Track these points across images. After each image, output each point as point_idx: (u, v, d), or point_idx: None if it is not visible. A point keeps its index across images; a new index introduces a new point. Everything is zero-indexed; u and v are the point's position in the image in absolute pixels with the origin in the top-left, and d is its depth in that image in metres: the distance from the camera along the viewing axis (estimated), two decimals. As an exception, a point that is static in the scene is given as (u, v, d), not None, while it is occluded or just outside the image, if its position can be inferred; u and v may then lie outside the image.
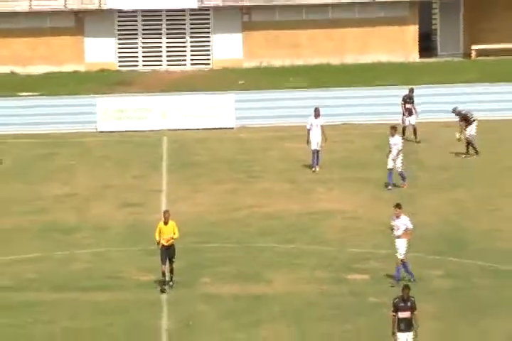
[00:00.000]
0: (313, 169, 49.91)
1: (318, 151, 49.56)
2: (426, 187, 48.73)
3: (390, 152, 47.84)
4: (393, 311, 27.68)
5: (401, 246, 36.43)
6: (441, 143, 52.81)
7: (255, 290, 36.91)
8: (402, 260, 36.54)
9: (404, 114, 54.56)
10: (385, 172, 48.63)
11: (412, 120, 54.61)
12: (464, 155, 51.95)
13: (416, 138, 54.49)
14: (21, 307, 36.30)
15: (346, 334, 33.42)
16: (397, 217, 36.61)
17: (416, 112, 55.05)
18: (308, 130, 49.49)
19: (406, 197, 47.31)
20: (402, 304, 27.47)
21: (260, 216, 44.75)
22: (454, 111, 52.85)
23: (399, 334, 27.35)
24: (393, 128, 48.21)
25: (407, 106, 54.63)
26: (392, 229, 36.85)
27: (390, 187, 47.90)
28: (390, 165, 47.62)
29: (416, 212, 45.39)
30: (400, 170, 47.97)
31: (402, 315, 27.32)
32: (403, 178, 48.06)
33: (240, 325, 33.99)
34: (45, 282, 38.56)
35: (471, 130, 52.04)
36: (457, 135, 51.40)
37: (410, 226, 36.80)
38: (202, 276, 38.37)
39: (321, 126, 49.69)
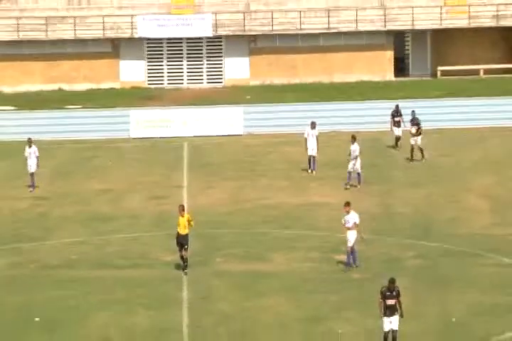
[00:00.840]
0: (309, 171, 49.71)
1: (314, 157, 49.43)
2: (400, 184, 48.70)
3: (350, 156, 47.52)
4: (381, 298, 27.67)
5: (351, 237, 36.45)
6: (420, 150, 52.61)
7: (259, 268, 37.02)
8: (351, 248, 36.46)
9: (392, 127, 53.61)
10: (362, 172, 48.72)
11: (399, 132, 53.82)
12: (419, 159, 51.74)
13: (397, 145, 53.88)
14: (67, 283, 36.30)
15: (334, 304, 33.48)
16: (348, 212, 36.48)
17: (404, 123, 54.01)
18: (305, 138, 49.30)
19: (384, 192, 47.61)
20: (388, 293, 27.41)
21: (263, 207, 44.78)
22: (413, 114, 52.55)
23: (384, 319, 27.32)
24: (353, 137, 47.80)
25: (396, 119, 53.77)
26: (344, 223, 36.55)
27: (347, 186, 47.58)
28: (349, 168, 47.32)
29: (393, 204, 45.73)
30: (358, 171, 47.64)
31: (388, 302, 27.26)
32: (359, 179, 47.73)
33: (247, 296, 34.07)
34: (86, 261, 38.70)
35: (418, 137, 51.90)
36: (417, 140, 51.17)
37: (357, 221, 36.67)
38: (215, 256, 38.50)
39: (316, 136, 49.50)
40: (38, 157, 47.79)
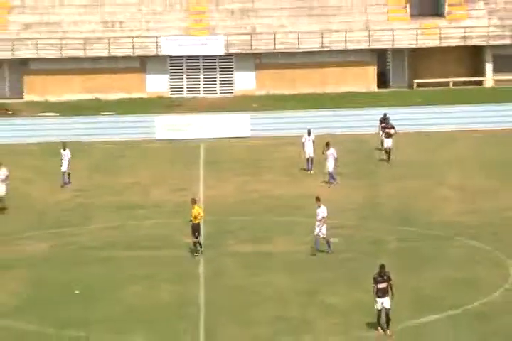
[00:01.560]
0: (309, 172, 49.26)
1: (312, 158, 49.06)
2: (383, 178, 48.64)
3: (328, 159, 47.02)
4: (373, 283, 27.52)
5: (322, 228, 36.10)
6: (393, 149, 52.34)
7: (263, 249, 37.16)
8: (316, 237, 36.16)
9: (387, 129, 51.76)
10: (350, 169, 48.68)
11: (389, 139, 51.73)
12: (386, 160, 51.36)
13: (389, 150, 51.91)
14: (102, 261, 36.45)
15: (326, 279, 33.56)
16: (319, 206, 36.31)
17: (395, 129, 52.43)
18: (303, 143, 49.06)
19: (369, 185, 47.57)
20: (379, 278, 27.35)
21: (266, 198, 44.79)
22: (386, 115, 52.43)
23: (377, 300, 27.35)
24: (327, 144, 47.38)
25: (383, 125, 52.54)
26: (316, 215, 36.23)
27: (328, 185, 47.13)
28: (330, 169, 46.91)
29: (376, 195, 45.72)
30: (329, 170, 47.05)
31: (380, 285, 27.25)
32: (332, 178, 47.12)
33: (253, 273, 34.22)
34: (118, 243, 38.94)
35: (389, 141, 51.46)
36: (388, 143, 50.79)
37: (325, 214, 36.29)
38: (227, 239, 38.60)
39: (313, 141, 49.18)
40: (69, 159, 47.47)
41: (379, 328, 27.25)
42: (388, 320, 27.13)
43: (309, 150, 49.08)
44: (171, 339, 28.54)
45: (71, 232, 40.76)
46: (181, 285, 33.36)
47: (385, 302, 27.10)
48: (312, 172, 48.89)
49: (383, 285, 27.15)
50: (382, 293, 27.21)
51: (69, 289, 33.32)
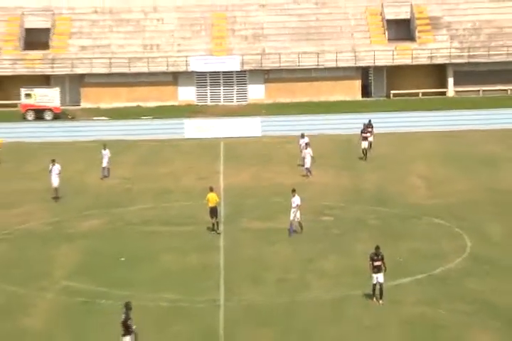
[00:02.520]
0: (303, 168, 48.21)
1: (313, 159, 47.76)
2: (364, 170, 48.63)
3: (304, 158, 46.73)
4: (370, 261, 27.18)
5: (294, 214, 35.47)
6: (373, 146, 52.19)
7: (271, 225, 37.17)
8: (292, 221, 35.54)
9: (365, 133, 51.11)
10: (338, 162, 48.60)
11: (371, 138, 51.63)
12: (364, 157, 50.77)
13: (370, 148, 51.63)
14: (143, 234, 36.65)
15: (321, 249, 33.68)
16: (294, 196, 35.59)
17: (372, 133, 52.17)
18: (300, 145, 48.64)
19: (352, 175, 47.47)
20: (375, 257, 27.05)
21: (273, 184, 44.81)
22: (369, 121, 51.87)
23: (373, 275, 26.98)
24: (307, 144, 47.02)
25: (369, 129, 51.48)
26: (292, 203, 35.68)
27: (306, 178, 46.37)
28: (307, 165, 46.31)
29: (359, 183, 45.61)
30: (307, 166, 46.47)
31: (375, 263, 26.94)
32: (309, 172, 46.46)
33: (263, 245, 34.43)
34: (156, 221, 39.01)
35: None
36: (365, 144, 50.33)
37: (299, 202, 35.47)
38: (241, 218, 38.70)
39: (307, 143, 48.07)
40: (109, 157, 47.03)
41: (373, 298, 27.17)
42: (382, 292, 27.05)
43: (305, 155, 47.77)
44: (198, 295, 28.69)
45: (118, 212, 40.89)
46: (205, 253, 33.63)
47: (380, 277, 26.93)
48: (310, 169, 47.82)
49: (378, 263, 26.97)
50: (377, 270, 26.98)
51: (116, 257, 33.57)
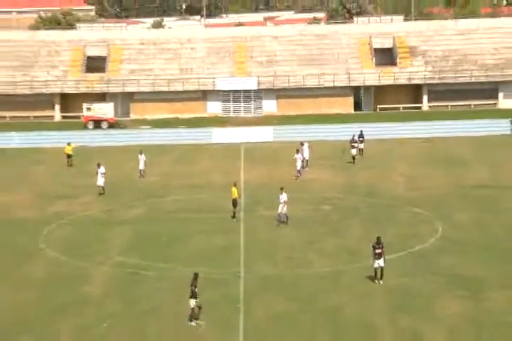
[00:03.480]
0: (306, 169, 47.30)
1: (306, 160, 47.60)
2: (356, 169, 48.37)
3: (296, 161, 45.37)
4: (372, 249, 26.51)
5: (282, 208, 34.55)
6: (360, 151, 52.11)
7: (289, 213, 36.71)
8: (279, 213, 34.69)
9: (353, 143, 50.03)
10: (336, 163, 48.37)
11: (362, 146, 51.04)
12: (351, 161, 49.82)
13: (361, 153, 51.09)
14: (178, 220, 36.72)
15: (321, 233, 33.65)
16: (281, 193, 34.37)
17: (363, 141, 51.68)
18: (301, 149, 47.22)
19: (347, 173, 47.26)
20: (377, 246, 26.41)
21: (282, 181, 44.38)
22: (361, 132, 51.34)
23: (375, 261, 26.39)
24: (297, 151, 45.91)
25: (360, 139, 51.01)
26: (280, 199, 34.70)
27: (295, 178, 45.06)
28: (298, 167, 45.27)
29: (352, 179, 45.44)
30: (298, 168, 45.34)
31: (377, 251, 26.31)
32: (299, 173, 45.40)
33: (273, 229, 34.48)
34: (188, 209, 39.01)
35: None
36: (354, 151, 49.59)
37: (286, 199, 34.37)
38: (257, 207, 38.64)
39: (307, 147, 47.83)
40: (145, 161, 46.29)
41: (375, 280, 26.58)
42: (382, 274, 26.58)
43: (305, 154, 47.65)
44: (223, 268, 28.79)
45: (158, 202, 40.92)
46: (228, 235, 33.65)
47: (380, 262, 26.46)
48: (307, 169, 47.47)
49: (379, 250, 26.43)
50: (378, 256, 26.39)
51: (158, 237, 33.64)
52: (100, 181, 41.51)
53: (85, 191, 42.83)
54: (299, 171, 45.54)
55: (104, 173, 41.69)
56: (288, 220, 34.75)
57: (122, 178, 45.21)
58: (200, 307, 23.41)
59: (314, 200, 39.80)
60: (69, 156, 49.98)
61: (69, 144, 50.66)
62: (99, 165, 41.94)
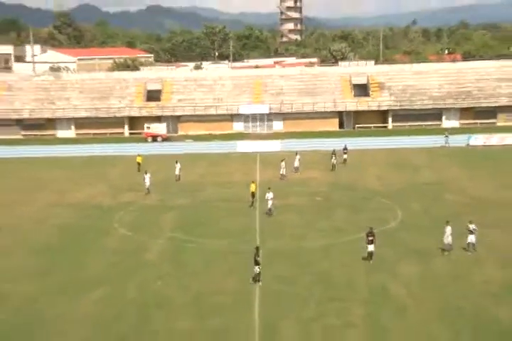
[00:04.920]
0: (297, 173, 45.70)
1: (297, 167, 46.36)
2: (340, 172, 47.66)
3: (281, 167, 44.03)
4: (366, 236, 25.63)
5: (270, 203, 33.45)
6: (344, 160, 51.60)
7: (284, 203, 36.61)
8: (270, 209, 33.49)
9: (332, 155, 47.50)
10: (324, 167, 47.79)
11: (345, 156, 49.66)
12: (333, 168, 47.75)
13: (345, 161, 49.58)
14: (213, 206, 36.62)
15: (316, 217, 33.49)
16: (268, 192, 33.40)
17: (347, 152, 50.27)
18: (294, 160, 46.41)
19: (334, 175, 46.49)
20: (369, 234, 25.54)
21: (286, 179, 44.43)
22: (345, 146, 50.70)
23: (368, 245, 25.48)
24: (282, 160, 44.51)
25: (345, 151, 49.88)
26: (267, 197, 33.59)
27: (282, 178, 43.72)
28: (281, 171, 43.99)
29: (338, 179, 44.86)
30: (281, 172, 43.96)
31: (369, 238, 25.42)
32: (282, 174, 43.87)
33: (280, 214, 34.29)
34: (218, 200, 38.70)
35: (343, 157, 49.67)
36: (334, 161, 47.35)
37: (272, 196, 33.26)
38: (279, 196, 38.17)
39: (299, 159, 46.58)
40: (180, 168, 44.82)
41: (368, 259, 25.62)
42: (372, 256, 25.55)
43: (296, 163, 46.65)
44: (243, 243, 28.76)
45: (197, 194, 40.64)
46: (246, 218, 33.63)
47: (370, 247, 25.49)
48: (299, 173, 46.07)
49: (371, 238, 25.49)
50: (370, 242, 25.45)
51: (200, 219, 33.73)
52: (147, 183, 40.57)
53: (138, 185, 42.93)
54: (282, 174, 44.03)
55: (150, 177, 40.55)
56: (271, 211, 33.51)
57: (171, 178, 45.20)
58: (259, 273, 23.36)
59: (310, 193, 39.55)
60: (139, 164, 48.87)
61: (139, 155, 50.07)
62: (146, 172, 41.04)
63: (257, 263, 23.37)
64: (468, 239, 26.28)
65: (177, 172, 44.81)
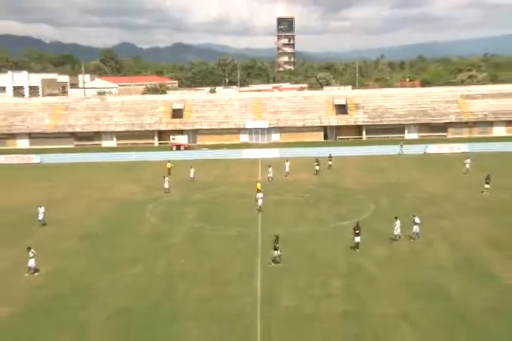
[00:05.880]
0: (287, 176, 44.69)
1: (288, 172, 45.33)
2: (325, 174, 47.16)
3: (270, 172, 42.78)
4: (353, 230, 24.72)
5: (260, 201, 32.18)
6: (329, 166, 50.95)
7: (281, 198, 36.33)
8: (259, 206, 32.18)
9: (315, 163, 45.90)
10: (311, 171, 47.31)
11: (330, 162, 48.49)
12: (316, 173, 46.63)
13: (330, 167, 48.51)
14: (226, 201, 36.28)
15: (307, 208, 33.29)
16: (257, 193, 32.65)
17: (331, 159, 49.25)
18: (285, 165, 45.97)
19: (320, 176, 45.66)
20: (356, 227, 24.59)
21: (284, 179, 44.20)
22: (330, 154, 50.32)
23: (355, 237, 24.50)
24: (269, 166, 43.36)
25: (330, 158, 48.91)
26: (257, 197, 32.57)
27: (270, 179, 42.42)
28: (271, 174, 42.73)
29: (323, 179, 44.44)
30: (269, 175, 42.86)
31: (356, 231, 24.53)
32: (270, 177, 42.61)
33: (278, 207, 33.92)
34: (229, 195, 38.35)
35: (328, 163, 48.22)
36: (317, 167, 45.53)
37: (262, 196, 32.21)
38: (269, 194, 37.04)
39: (289, 165, 45.83)
40: (194, 172, 43.57)
41: (355, 249, 24.63)
42: (358, 246, 24.62)
43: (287, 168, 45.86)
44: (248, 228, 28.72)
45: (212, 192, 40.26)
46: (252, 210, 33.09)
47: (357, 239, 24.61)
48: (289, 176, 45.11)
49: (358, 231, 24.57)
50: (357, 234, 24.53)
51: (214, 211, 33.54)
52: (166, 185, 39.35)
53: (170, 185, 42.88)
54: (270, 177, 42.81)
55: (169, 181, 39.54)
56: (260, 209, 32.15)
57: (188, 179, 44.84)
58: (280, 256, 23.10)
59: (300, 191, 39.36)
60: (169, 169, 47.63)
61: (169, 161, 49.28)
62: (164, 177, 40.03)
63: (275, 248, 23.27)
64: (413, 228, 25.98)
65: (191, 175, 43.74)
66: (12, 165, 56.50)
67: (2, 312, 18.97)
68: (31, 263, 22.61)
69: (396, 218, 26.15)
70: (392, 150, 58.68)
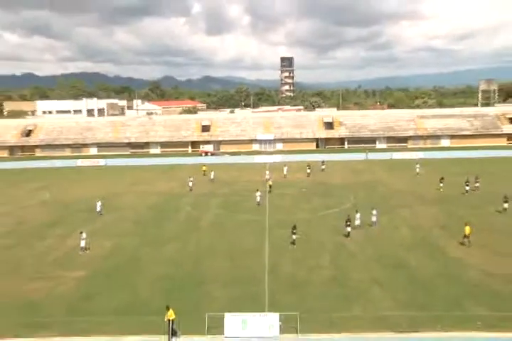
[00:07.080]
0: (285, 177, 41.64)
1: (285, 174, 43.65)
2: (317, 174, 46.01)
3: (266, 174, 40.48)
4: (345, 222, 23.55)
5: (258, 198, 30.76)
6: (322, 169, 49.68)
7: (284, 192, 35.58)
8: (259, 202, 30.49)
9: (307, 167, 43.86)
10: (305, 172, 45.83)
11: (323, 166, 47.33)
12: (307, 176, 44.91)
13: (323, 170, 47.23)
14: (240, 195, 35.60)
15: (301, 201, 32.81)
16: (256, 192, 31.12)
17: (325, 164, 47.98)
18: (284, 168, 44.74)
19: (312, 176, 43.26)
20: (347, 220, 23.61)
21: (286, 178, 43.51)
22: (323, 160, 49.14)
23: (346, 228, 23.35)
24: (266, 169, 41.77)
25: (323, 163, 47.52)
26: (255, 195, 31.06)
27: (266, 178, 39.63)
28: (267, 176, 39.83)
29: (315, 178, 43.40)
30: (267, 177, 40.11)
31: (347, 223, 23.47)
32: (267, 179, 38.82)
33: (280, 199, 33.33)
34: (243, 191, 37.32)
35: (320, 167, 47.15)
36: (308, 170, 43.49)
37: (260, 194, 30.80)
38: (275, 190, 36.89)
39: (287, 168, 44.55)
40: (214, 174, 41.31)
41: (347, 237, 23.51)
42: (349, 234, 23.46)
43: (285, 171, 44.45)
44: (258, 216, 28.52)
45: (231, 187, 39.41)
46: (261, 201, 32.49)
47: (348, 229, 23.51)
48: (287, 178, 43.24)
49: (349, 223, 23.58)
50: (348, 225, 23.51)
51: (233, 201, 32.73)
52: (190, 184, 37.84)
53: (197, 183, 42.04)
54: (266, 178, 40.15)
55: (192, 181, 37.74)
56: (260, 204, 30.47)
57: (215, 177, 43.69)
58: (295, 239, 22.37)
59: (297, 187, 38.70)
60: (204, 171, 46.32)
61: (204, 165, 47.94)
62: (189, 177, 38.18)
63: (294, 233, 22.98)
64: (372, 218, 25.55)
65: (212, 176, 41.52)
66: (85, 167, 57.57)
67: (77, 274, 19.89)
68: (83, 243, 22.73)
69: (357, 211, 25.37)
70: (366, 156, 58.07)
